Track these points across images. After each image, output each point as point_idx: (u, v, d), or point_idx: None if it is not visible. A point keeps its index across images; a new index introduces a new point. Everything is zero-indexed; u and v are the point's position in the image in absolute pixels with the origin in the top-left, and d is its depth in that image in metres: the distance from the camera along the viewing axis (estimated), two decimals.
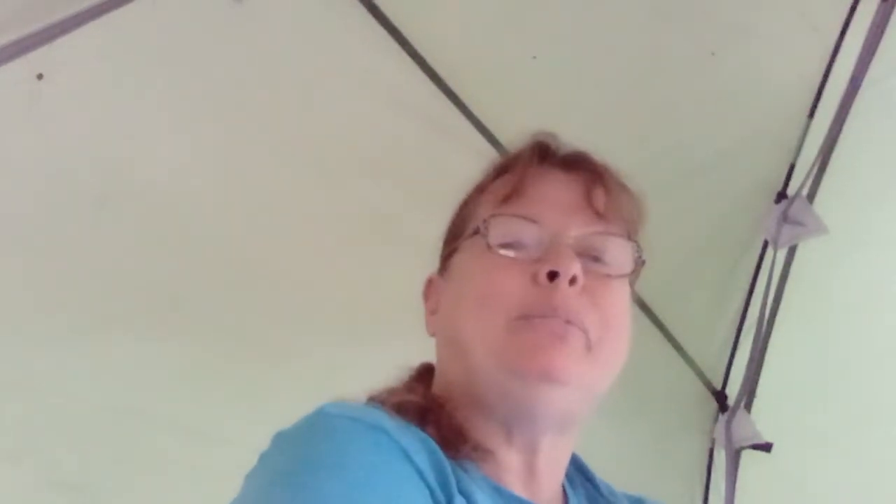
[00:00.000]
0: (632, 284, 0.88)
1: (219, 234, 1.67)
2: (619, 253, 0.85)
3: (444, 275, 0.90)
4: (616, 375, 0.84)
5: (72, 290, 1.55)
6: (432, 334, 0.90)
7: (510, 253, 0.82)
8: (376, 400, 0.82)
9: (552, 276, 0.80)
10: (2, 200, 1.47)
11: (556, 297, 0.79)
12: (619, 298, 0.84)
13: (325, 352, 1.79)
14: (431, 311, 0.91)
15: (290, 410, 0.77)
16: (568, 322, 0.79)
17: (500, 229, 0.84)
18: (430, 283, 0.94)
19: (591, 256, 0.83)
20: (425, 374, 0.90)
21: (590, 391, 0.81)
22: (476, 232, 0.85)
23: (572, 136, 0.92)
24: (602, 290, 0.82)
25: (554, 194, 0.86)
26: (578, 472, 0.92)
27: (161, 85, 1.58)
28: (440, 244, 0.95)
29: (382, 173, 1.81)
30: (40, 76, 1.43)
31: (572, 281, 0.79)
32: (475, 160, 1.87)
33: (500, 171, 0.91)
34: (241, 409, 1.69)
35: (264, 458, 0.73)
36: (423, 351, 0.97)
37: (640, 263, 0.86)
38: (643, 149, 1.95)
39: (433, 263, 0.98)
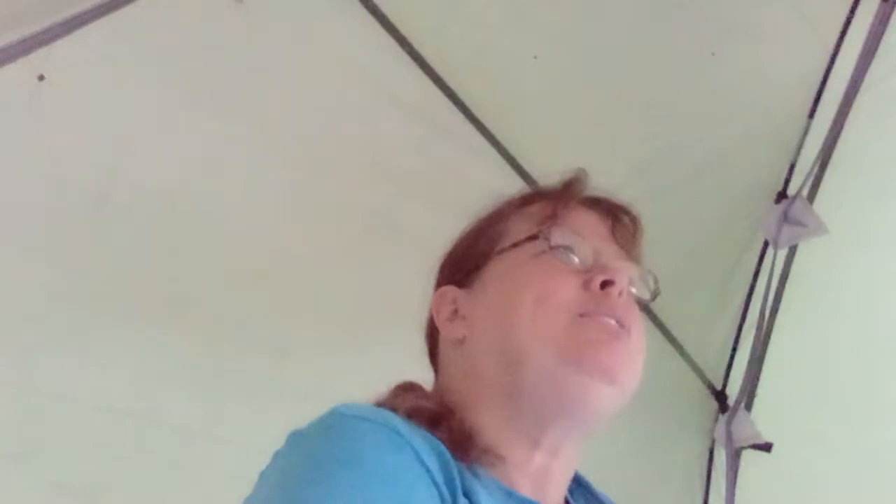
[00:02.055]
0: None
1: (219, 235, 1.67)
2: (641, 282, 0.94)
3: (471, 286, 0.93)
4: None
5: (72, 290, 1.55)
6: (460, 339, 0.91)
7: (572, 257, 0.89)
8: (387, 405, 0.83)
9: (604, 285, 0.87)
10: (2, 201, 1.47)
11: (610, 302, 0.87)
12: (641, 319, 0.92)
13: (325, 352, 1.79)
14: (448, 319, 0.93)
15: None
16: (622, 326, 0.87)
17: (559, 237, 0.90)
18: (443, 295, 0.95)
19: None
20: (410, 390, 0.91)
21: (625, 396, 0.87)
22: (532, 238, 0.91)
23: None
24: (633, 308, 0.90)
25: (590, 225, 0.94)
26: (578, 485, 0.94)
27: (161, 85, 1.58)
28: (446, 260, 0.98)
29: (382, 173, 1.81)
30: (41, 77, 1.43)
31: (620, 293, 0.87)
32: (474, 160, 1.89)
33: (536, 197, 0.98)
34: (241, 409, 1.69)
35: (279, 456, 0.75)
36: (423, 350, 0.97)
37: (656, 294, 0.95)
38: (643, 149, 1.96)
39: (433, 262, 0.98)
